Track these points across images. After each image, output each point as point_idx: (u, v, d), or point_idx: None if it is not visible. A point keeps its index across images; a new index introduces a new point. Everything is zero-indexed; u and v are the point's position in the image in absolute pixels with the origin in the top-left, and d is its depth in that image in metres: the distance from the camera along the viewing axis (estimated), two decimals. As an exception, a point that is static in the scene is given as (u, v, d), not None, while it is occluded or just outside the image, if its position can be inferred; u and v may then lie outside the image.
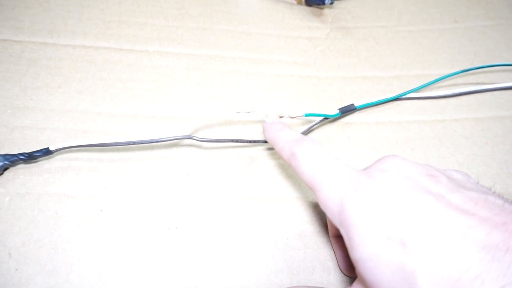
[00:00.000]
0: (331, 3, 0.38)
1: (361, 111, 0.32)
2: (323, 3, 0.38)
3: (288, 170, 0.28)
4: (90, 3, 0.35)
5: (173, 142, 0.28)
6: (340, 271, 0.24)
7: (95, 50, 0.32)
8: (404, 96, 0.32)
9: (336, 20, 0.39)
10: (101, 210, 0.25)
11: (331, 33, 0.37)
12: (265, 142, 0.28)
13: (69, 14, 0.34)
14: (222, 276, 0.23)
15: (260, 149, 0.29)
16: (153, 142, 0.26)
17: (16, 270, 0.22)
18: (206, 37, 0.35)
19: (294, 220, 0.26)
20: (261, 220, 0.25)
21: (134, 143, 0.26)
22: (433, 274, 0.14)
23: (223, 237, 0.25)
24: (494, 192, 0.18)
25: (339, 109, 0.30)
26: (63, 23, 0.33)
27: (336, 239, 0.24)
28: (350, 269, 0.23)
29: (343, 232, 0.17)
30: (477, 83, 0.34)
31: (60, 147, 0.25)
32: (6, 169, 0.25)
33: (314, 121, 0.30)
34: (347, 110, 0.30)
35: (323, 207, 0.18)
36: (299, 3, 0.39)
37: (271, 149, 0.29)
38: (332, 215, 0.18)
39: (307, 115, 0.28)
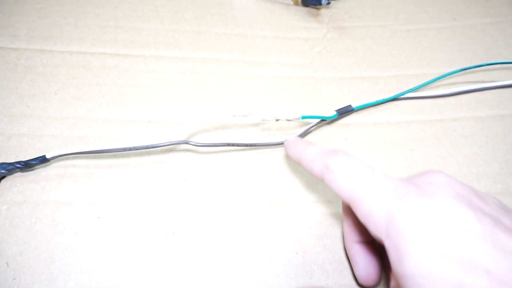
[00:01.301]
0: (328, 3, 0.38)
1: (358, 112, 0.31)
2: (320, 3, 0.38)
3: (286, 174, 0.28)
4: (86, 9, 0.35)
5: (170, 147, 0.28)
6: (336, 277, 0.24)
7: (92, 56, 0.32)
8: (402, 96, 0.32)
9: (333, 20, 0.38)
10: (98, 217, 0.25)
11: (328, 33, 0.37)
12: (262, 145, 0.28)
13: (65, 21, 0.34)
14: (220, 281, 0.23)
15: (258, 153, 0.29)
16: (149, 148, 0.26)
17: (14, 279, 0.22)
18: (202, 40, 0.35)
19: (292, 223, 0.26)
20: (259, 224, 0.25)
21: (130, 149, 0.26)
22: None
23: (221, 242, 0.24)
24: None
25: (336, 110, 0.30)
26: (59, 30, 0.33)
27: (357, 245, 0.22)
28: (371, 279, 0.22)
29: (389, 245, 0.17)
30: (477, 82, 0.34)
31: (57, 154, 0.25)
32: (3, 177, 0.26)
33: (311, 123, 0.29)
34: (344, 112, 0.30)
35: (365, 219, 0.18)
36: (296, 3, 0.39)
37: (268, 153, 0.29)
38: (377, 227, 0.17)
39: (303, 117, 0.28)
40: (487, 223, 0.16)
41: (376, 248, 0.22)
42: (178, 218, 0.25)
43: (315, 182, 0.27)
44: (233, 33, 0.36)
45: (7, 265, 0.22)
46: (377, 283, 0.22)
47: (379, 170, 0.19)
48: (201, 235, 0.25)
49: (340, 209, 0.26)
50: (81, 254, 0.23)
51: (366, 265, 0.22)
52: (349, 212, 0.23)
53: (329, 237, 0.25)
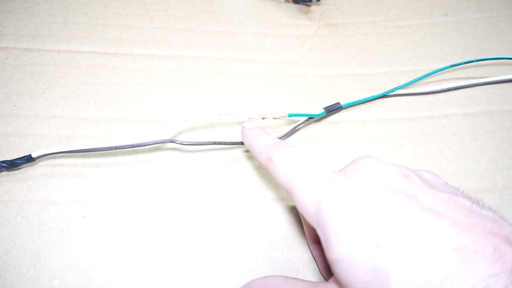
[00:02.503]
0: (319, 0, 0.37)
1: (347, 109, 0.31)
2: (310, 0, 0.37)
3: (273, 171, 0.28)
4: (74, 7, 0.35)
5: (156, 146, 0.28)
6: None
7: (80, 55, 0.32)
8: (391, 93, 0.32)
9: (324, 17, 0.38)
10: (85, 216, 0.25)
11: (319, 30, 0.37)
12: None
13: (53, 19, 0.34)
14: (205, 280, 0.23)
15: (244, 151, 0.29)
16: (135, 147, 0.26)
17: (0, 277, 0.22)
18: (192, 38, 0.35)
19: (278, 222, 0.26)
20: (244, 222, 0.25)
21: (116, 148, 0.26)
22: (406, 275, 0.15)
23: (207, 240, 0.25)
24: (462, 193, 0.18)
25: (324, 108, 0.30)
26: (47, 28, 0.33)
27: (315, 246, 0.24)
28: (330, 274, 0.23)
29: (320, 232, 0.17)
30: (467, 78, 0.34)
31: (42, 153, 0.25)
32: (-10, 176, 0.26)
33: (298, 121, 0.29)
34: (332, 109, 0.30)
35: (301, 209, 0.19)
36: (286, 1, 0.39)
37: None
38: (309, 216, 0.18)
39: (290, 115, 0.28)
40: (406, 205, 0.16)
41: None
42: (164, 216, 0.25)
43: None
44: (223, 30, 0.36)
45: (-7, 264, 0.22)
46: None
47: (318, 161, 0.20)
48: (188, 233, 0.25)
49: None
50: (67, 253, 0.23)
51: (325, 260, 0.22)
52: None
53: (315, 235, 0.25)
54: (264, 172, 0.28)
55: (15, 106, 0.29)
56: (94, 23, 0.34)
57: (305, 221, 0.23)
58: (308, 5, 0.39)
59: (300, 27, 0.37)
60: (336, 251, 0.16)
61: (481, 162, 0.29)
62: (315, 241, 0.23)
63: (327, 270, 0.23)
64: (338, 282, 0.17)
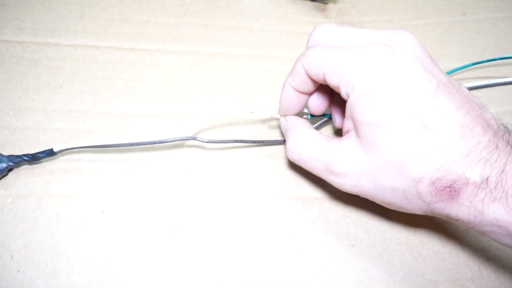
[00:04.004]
0: (335, -3, 0.37)
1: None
2: (327, -2, 0.37)
3: (291, 171, 0.27)
4: (91, 2, 0.35)
5: (176, 143, 0.28)
6: (342, 274, 0.24)
7: (97, 50, 0.32)
8: (410, 92, 0.31)
9: (341, 15, 0.38)
10: (103, 211, 0.24)
11: (336, 28, 0.37)
12: (269, 142, 0.28)
13: (70, 14, 0.34)
14: (224, 277, 0.23)
15: (264, 149, 0.28)
16: (156, 143, 0.26)
17: (18, 272, 0.22)
18: (208, 34, 0.34)
19: (298, 220, 0.25)
20: (264, 220, 0.25)
21: (137, 144, 0.25)
22: (422, 140, 0.19)
23: (225, 238, 0.24)
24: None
25: (343, 106, 0.29)
26: (64, 23, 0.33)
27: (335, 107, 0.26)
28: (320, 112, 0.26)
29: (353, 98, 0.20)
30: (487, 77, 0.33)
31: (64, 148, 0.25)
32: (10, 170, 0.25)
33: (318, 121, 0.29)
34: (352, 107, 0.30)
35: (338, 81, 0.21)
36: (303, -2, 0.39)
37: (274, 149, 0.28)
38: (346, 86, 0.20)
39: (311, 116, 0.27)
40: (434, 83, 0.19)
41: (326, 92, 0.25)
42: (182, 213, 0.25)
43: (320, 178, 0.27)
44: (240, 26, 0.36)
45: (12, 257, 0.22)
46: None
47: (350, 29, 0.22)
48: (206, 230, 0.24)
49: (345, 207, 0.26)
50: (85, 248, 0.23)
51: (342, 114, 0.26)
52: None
53: (334, 234, 0.25)
54: (284, 171, 0.27)
55: (33, 100, 0.28)
56: (111, 18, 0.34)
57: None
58: (325, 3, 0.39)
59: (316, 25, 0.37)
60: (373, 114, 0.19)
61: (502, 162, 0.28)
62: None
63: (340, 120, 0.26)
64: (360, 140, 0.21)
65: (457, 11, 0.38)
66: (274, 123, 0.30)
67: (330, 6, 0.39)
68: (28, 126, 0.27)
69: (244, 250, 0.24)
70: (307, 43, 0.24)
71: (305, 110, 0.27)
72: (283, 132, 0.26)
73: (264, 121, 0.30)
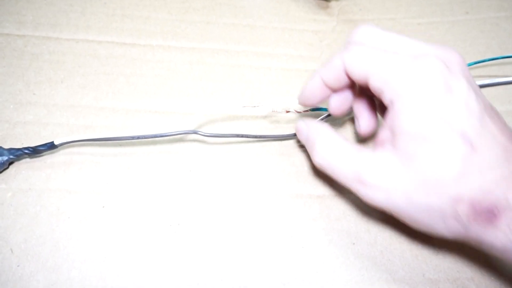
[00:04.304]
0: (338, -5, 0.37)
1: (368, 105, 0.31)
2: (330, -5, 0.37)
3: (293, 167, 0.27)
4: (93, -3, 0.35)
5: (177, 137, 0.28)
6: (342, 272, 0.23)
7: (98, 44, 0.32)
8: (412, 90, 0.31)
9: (343, 13, 0.38)
10: (103, 207, 0.24)
11: (338, 26, 0.37)
12: (271, 137, 0.28)
13: (72, 8, 0.34)
14: (224, 274, 0.23)
15: (265, 145, 0.28)
16: (157, 137, 0.25)
17: (18, 266, 0.22)
18: (210, 30, 0.34)
19: (298, 217, 0.25)
20: (265, 217, 0.25)
21: (138, 137, 0.25)
22: (466, 159, 0.18)
23: (226, 234, 0.24)
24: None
25: (345, 103, 0.29)
26: (66, 17, 0.33)
27: (362, 102, 0.25)
28: (368, 129, 0.25)
29: (399, 106, 0.20)
30: (490, 76, 0.33)
31: (65, 141, 0.25)
32: (11, 163, 0.25)
33: (321, 115, 0.29)
34: (353, 105, 0.30)
35: (382, 84, 0.20)
36: (305, -5, 0.39)
37: (276, 145, 0.28)
38: (393, 91, 0.20)
39: (314, 109, 0.27)
40: (481, 104, 0.19)
41: (373, 105, 0.25)
42: (183, 209, 0.25)
43: (323, 176, 0.27)
44: (242, 23, 0.35)
45: (12, 252, 0.22)
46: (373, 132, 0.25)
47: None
48: (206, 226, 0.24)
49: (346, 205, 0.26)
50: (86, 243, 0.23)
51: (369, 116, 0.25)
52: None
53: (335, 232, 0.25)
54: (285, 167, 0.27)
55: (34, 94, 0.28)
56: (112, 13, 0.34)
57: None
58: (327, 1, 0.38)
59: (319, 22, 0.37)
60: (417, 126, 0.19)
61: (504, 162, 0.28)
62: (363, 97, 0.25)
63: (367, 125, 0.25)
64: (398, 151, 0.20)
65: (460, 10, 0.38)
66: (275, 118, 0.30)
67: (333, 3, 0.38)
68: (29, 120, 0.27)
69: (245, 247, 0.24)
70: (347, 39, 0.23)
71: (292, 110, 0.27)
72: (302, 136, 0.25)
73: (266, 117, 0.30)
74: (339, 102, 0.25)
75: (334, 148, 0.22)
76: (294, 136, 0.28)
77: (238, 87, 0.31)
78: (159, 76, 0.31)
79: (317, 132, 0.23)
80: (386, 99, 0.20)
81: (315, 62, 0.34)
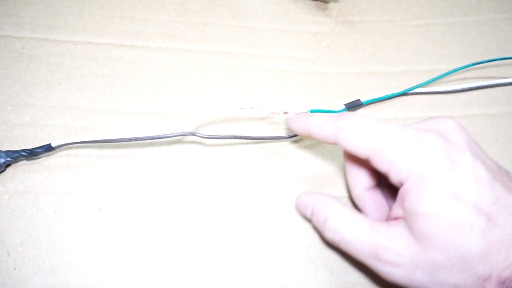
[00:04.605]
0: (336, -4, 0.37)
1: (366, 107, 0.31)
2: (328, -3, 0.37)
3: (291, 168, 0.27)
4: (91, -1, 0.35)
5: (175, 139, 0.28)
6: (340, 274, 0.23)
7: (96, 46, 0.32)
8: (411, 91, 0.31)
9: (342, 14, 0.38)
10: (100, 209, 0.24)
11: (336, 27, 0.37)
12: (269, 139, 0.28)
13: (70, 10, 0.34)
14: (222, 276, 0.23)
15: (263, 147, 0.28)
16: (155, 139, 0.25)
17: (15, 269, 0.22)
18: (208, 32, 0.34)
19: (297, 219, 0.25)
20: (262, 219, 0.25)
21: (136, 139, 0.25)
22: (486, 233, 0.18)
23: (224, 236, 0.24)
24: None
25: (344, 104, 0.29)
26: (64, 19, 0.33)
27: (368, 193, 0.23)
28: (384, 219, 0.23)
29: (408, 186, 0.19)
30: (488, 78, 0.33)
31: (62, 143, 0.25)
32: (8, 165, 0.25)
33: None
34: (353, 106, 0.30)
35: (388, 167, 0.20)
36: (304, -3, 0.39)
37: (274, 147, 0.28)
38: (399, 172, 0.19)
39: (312, 111, 0.27)
40: (490, 172, 0.19)
41: (381, 191, 0.24)
42: (181, 211, 0.25)
43: (321, 177, 0.27)
44: (240, 25, 0.35)
45: (8, 254, 0.22)
46: None
47: (393, 123, 0.21)
48: (204, 229, 0.24)
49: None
50: (83, 246, 0.23)
51: (378, 208, 0.23)
52: (354, 164, 0.23)
53: (334, 234, 0.25)
54: (283, 169, 0.27)
55: (31, 96, 0.28)
56: (111, 15, 0.34)
57: (353, 171, 0.24)
58: (326, 2, 0.38)
59: (317, 24, 0.37)
60: (429, 205, 0.18)
61: (502, 163, 0.27)
62: (367, 188, 0.23)
63: (378, 218, 0.23)
64: (412, 230, 0.19)
65: (459, 12, 0.38)
66: (273, 120, 0.30)
67: (331, 5, 0.38)
68: (26, 122, 0.27)
69: (242, 249, 0.24)
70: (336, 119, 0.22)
71: (300, 111, 0.27)
72: (306, 210, 0.24)
73: (264, 118, 0.30)
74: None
75: (348, 224, 0.21)
76: (292, 137, 0.28)
77: (236, 89, 0.31)
78: (157, 78, 0.31)
79: (327, 207, 0.22)
80: (393, 181, 0.20)
81: (314, 63, 0.34)
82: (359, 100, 0.30)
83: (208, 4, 0.37)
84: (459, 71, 0.32)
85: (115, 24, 0.33)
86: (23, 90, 0.28)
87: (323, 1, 0.38)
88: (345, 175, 0.25)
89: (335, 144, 0.22)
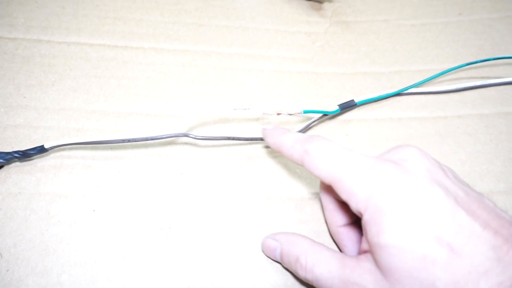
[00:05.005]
0: (331, -4, 0.37)
1: (360, 107, 0.31)
2: (323, -3, 0.37)
3: (284, 170, 0.27)
4: (85, -1, 0.35)
5: (168, 140, 0.27)
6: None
7: (90, 47, 0.32)
8: (405, 92, 0.31)
9: (336, 15, 0.38)
10: (94, 210, 0.24)
11: (331, 27, 0.37)
12: (262, 140, 0.28)
13: (63, 11, 0.33)
14: (215, 277, 0.23)
15: (257, 148, 0.28)
16: (148, 140, 0.25)
17: (7, 271, 0.22)
18: (203, 32, 0.34)
19: (290, 220, 0.25)
20: (256, 220, 0.25)
21: (129, 140, 0.25)
22: (450, 266, 0.16)
23: (217, 237, 0.24)
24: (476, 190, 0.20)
25: (338, 105, 0.29)
26: (57, 20, 0.33)
27: (341, 229, 0.23)
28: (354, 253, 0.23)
29: (368, 218, 0.18)
30: (482, 78, 0.33)
31: (55, 144, 0.25)
32: (1, 167, 0.25)
33: (312, 118, 0.29)
34: (347, 106, 0.30)
35: (347, 196, 0.19)
36: (299, -3, 0.39)
37: (267, 147, 0.28)
38: (357, 204, 0.19)
39: (305, 111, 0.27)
40: (451, 200, 0.18)
41: (358, 227, 0.23)
42: (174, 212, 0.25)
43: (313, 179, 0.27)
44: (234, 26, 0.35)
45: (1, 256, 0.22)
46: None
47: (356, 150, 0.20)
48: (197, 230, 0.24)
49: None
50: (76, 247, 0.23)
51: (354, 245, 0.23)
52: (329, 199, 0.23)
53: (326, 234, 0.25)
54: (276, 170, 0.27)
55: (24, 97, 0.28)
56: (105, 16, 0.34)
57: (330, 206, 0.23)
58: (320, 2, 0.38)
59: (312, 24, 0.37)
60: (386, 237, 0.17)
61: (496, 163, 0.28)
62: (343, 224, 0.23)
63: (352, 250, 0.23)
64: (378, 264, 0.18)
65: (453, 12, 0.38)
66: (267, 121, 0.30)
67: (326, 5, 0.38)
68: (19, 123, 0.27)
69: (236, 250, 0.24)
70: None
71: (293, 111, 0.27)
72: (273, 253, 0.23)
73: (257, 119, 0.30)
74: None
75: (318, 261, 0.21)
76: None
77: (230, 89, 0.31)
78: (151, 79, 0.31)
79: (296, 246, 0.22)
80: (353, 210, 0.19)
81: (308, 64, 0.34)
82: (353, 100, 0.30)
83: (202, 4, 0.36)
84: (453, 71, 0.33)
85: (109, 25, 0.33)
86: (16, 92, 0.28)
87: (317, 1, 0.38)
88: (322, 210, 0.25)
89: (301, 166, 0.22)
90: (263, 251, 0.24)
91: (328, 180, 0.20)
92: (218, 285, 0.23)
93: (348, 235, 0.23)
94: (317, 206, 0.26)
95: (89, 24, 0.33)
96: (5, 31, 0.31)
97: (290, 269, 0.23)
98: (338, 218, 0.23)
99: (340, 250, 0.24)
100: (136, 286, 0.22)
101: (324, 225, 0.25)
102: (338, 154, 0.20)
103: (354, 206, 0.19)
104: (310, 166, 0.21)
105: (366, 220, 0.19)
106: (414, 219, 0.17)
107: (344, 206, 0.23)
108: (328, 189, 0.23)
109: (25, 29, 0.32)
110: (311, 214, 0.25)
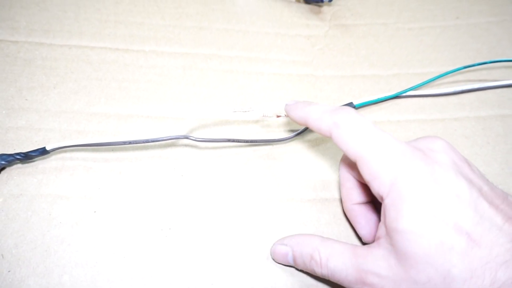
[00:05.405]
0: (330, 0, 0.37)
1: (359, 110, 0.31)
2: (322, 1, 0.37)
3: (284, 172, 0.27)
4: (86, 3, 0.35)
5: (168, 142, 0.28)
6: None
7: (91, 50, 0.32)
8: (403, 94, 0.32)
9: (335, 18, 0.38)
10: (95, 211, 0.25)
11: (330, 31, 0.37)
12: (262, 142, 0.28)
13: (65, 14, 0.34)
14: (215, 278, 0.23)
15: (256, 150, 0.28)
16: (149, 142, 0.26)
17: (9, 271, 0.22)
18: (203, 36, 0.35)
19: (290, 221, 0.25)
20: (256, 222, 0.25)
21: (130, 142, 0.25)
22: (467, 255, 0.17)
23: (217, 239, 0.24)
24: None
25: (336, 108, 0.30)
26: (59, 23, 0.33)
27: (360, 207, 0.23)
28: (373, 236, 0.23)
29: (389, 202, 0.19)
30: (479, 80, 0.33)
31: (56, 146, 0.25)
32: (2, 169, 0.25)
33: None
34: (345, 109, 0.30)
35: (372, 177, 0.19)
36: (298, 1, 0.39)
37: (267, 150, 0.28)
38: (381, 186, 0.19)
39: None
40: (474, 192, 0.18)
41: (374, 206, 0.24)
42: (175, 213, 0.25)
43: (313, 180, 0.27)
44: (235, 29, 0.36)
45: (2, 257, 0.22)
46: None
47: (387, 132, 0.20)
48: (198, 231, 0.25)
49: (336, 209, 0.26)
50: (77, 248, 0.23)
51: (367, 224, 0.23)
52: (348, 176, 0.23)
53: (325, 235, 0.25)
54: (276, 172, 0.27)
55: (26, 100, 0.28)
56: (106, 19, 0.34)
57: (348, 183, 0.24)
58: (320, 6, 0.39)
59: (311, 28, 0.37)
60: (406, 222, 0.18)
61: (493, 166, 0.29)
62: (358, 202, 0.23)
63: (366, 232, 0.23)
64: (394, 249, 0.18)
65: (451, 16, 0.39)
66: (266, 123, 0.30)
67: (325, 9, 0.39)
68: (21, 126, 0.27)
69: (235, 251, 0.24)
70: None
71: (283, 115, 0.27)
72: (285, 258, 0.23)
73: (257, 121, 0.30)
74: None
75: (331, 254, 0.21)
76: (285, 140, 0.28)
77: (231, 92, 0.31)
78: (152, 82, 0.31)
79: (307, 244, 0.22)
80: (374, 192, 0.20)
81: (307, 67, 0.34)
82: (352, 103, 0.30)
83: (203, 8, 0.37)
84: (451, 74, 0.33)
85: (110, 28, 0.34)
86: (18, 94, 0.29)
87: (317, 5, 0.39)
88: (339, 186, 0.26)
89: (329, 137, 0.21)
90: (274, 259, 0.24)
91: (354, 157, 0.20)
92: (218, 286, 0.23)
93: (362, 213, 0.23)
94: (316, 208, 0.26)
95: (91, 27, 0.33)
96: (7, 34, 0.32)
97: (305, 269, 0.22)
98: (355, 196, 0.23)
99: (353, 227, 0.24)
100: (136, 287, 0.22)
101: (323, 226, 0.25)
102: (369, 132, 0.20)
103: (376, 188, 0.19)
104: (338, 139, 0.20)
105: (386, 204, 0.19)
106: (434, 206, 0.17)
107: (362, 185, 0.23)
108: (350, 165, 0.23)
109: (27, 32, 0.32)
110: (310, 215, 0.26)
